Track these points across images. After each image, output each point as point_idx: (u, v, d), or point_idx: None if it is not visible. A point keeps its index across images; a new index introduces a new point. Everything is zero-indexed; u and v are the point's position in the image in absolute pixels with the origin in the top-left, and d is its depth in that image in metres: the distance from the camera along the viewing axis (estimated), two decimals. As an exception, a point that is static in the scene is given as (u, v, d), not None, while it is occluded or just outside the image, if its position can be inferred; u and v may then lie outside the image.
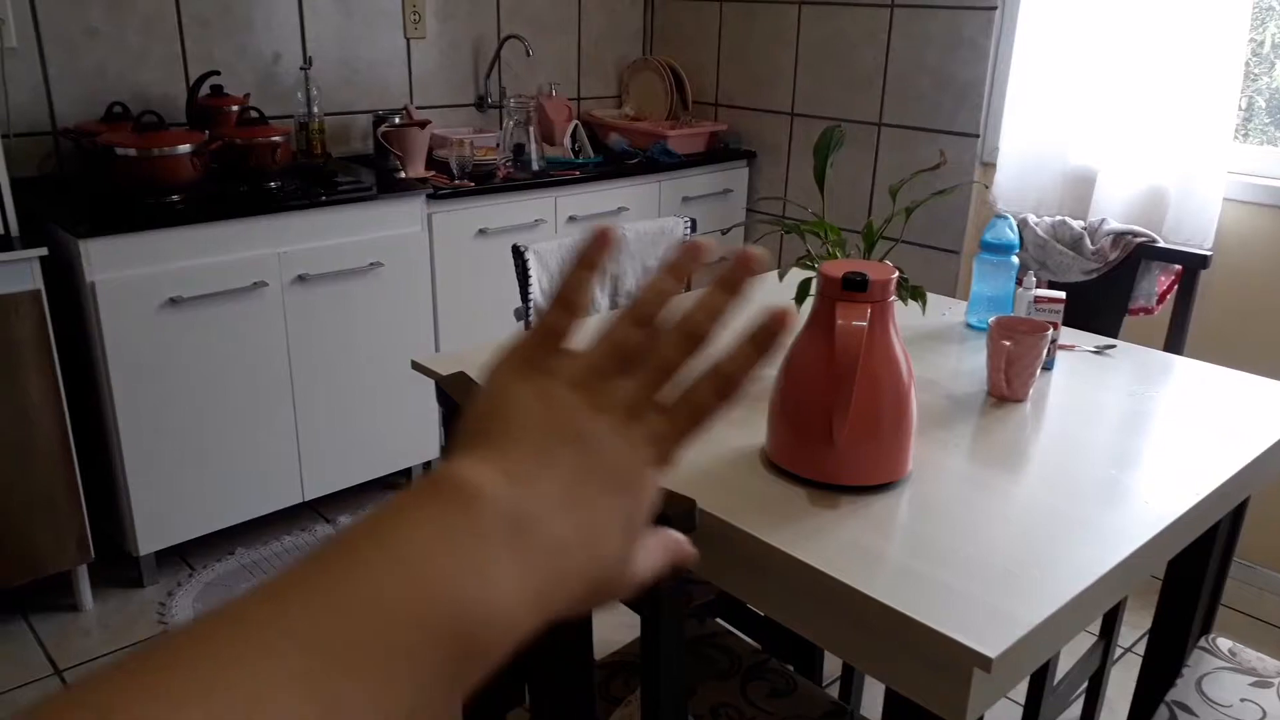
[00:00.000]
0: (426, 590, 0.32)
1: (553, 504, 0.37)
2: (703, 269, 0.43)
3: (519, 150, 3.06)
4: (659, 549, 0.44)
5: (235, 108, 2.65)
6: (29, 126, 2.54)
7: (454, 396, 1.15)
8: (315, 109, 2.84)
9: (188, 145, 2.31)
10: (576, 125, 3.29)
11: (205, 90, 2.69)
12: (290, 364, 2.53)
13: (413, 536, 0.33)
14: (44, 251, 2.08)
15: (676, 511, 0.92)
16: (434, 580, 0.32)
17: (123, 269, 2.21)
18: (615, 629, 2.34)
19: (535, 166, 3.04)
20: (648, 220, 2.23)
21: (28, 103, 2.52)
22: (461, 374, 1.21)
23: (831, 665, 2.24)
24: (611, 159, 3.27)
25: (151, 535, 2.40)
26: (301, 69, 2.89)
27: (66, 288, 2.25)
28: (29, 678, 2.14)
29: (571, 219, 3.05)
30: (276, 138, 2.47)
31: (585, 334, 0.43)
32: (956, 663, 0.96)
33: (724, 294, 0.43)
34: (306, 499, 2.68)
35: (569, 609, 0.38)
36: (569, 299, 0.42)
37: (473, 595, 0.33)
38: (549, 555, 0.36)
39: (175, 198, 2.31)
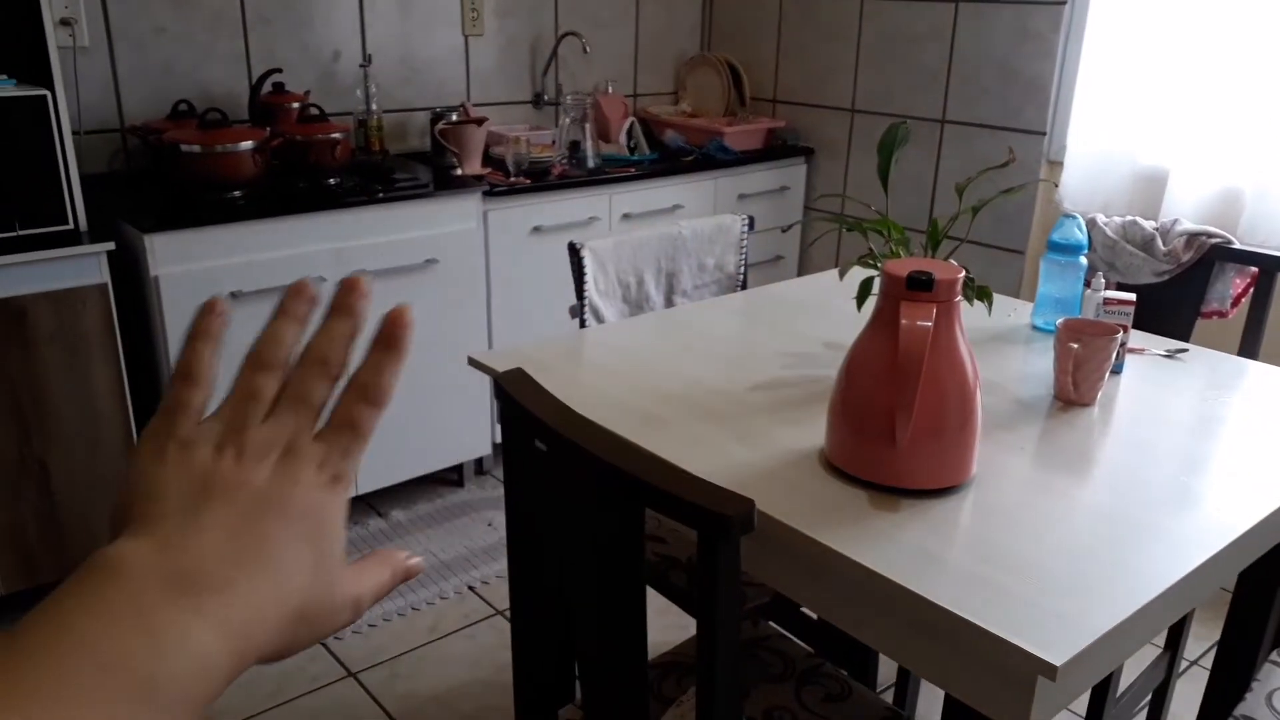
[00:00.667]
0: (100, 663, 0.33)
1: (215, 555, 0.38)
2: (314, 306, 0.45)
3: (574, 147, 3.06)
4: (377, 567, 0.46)
5: (296, 105, 2.68)
6: (99, 124, 2.59)
7: (511, 393, 1.15)
8: (374, 106, 2.87)
9: (250, 142, 2.34)
10: (632, 122, 3.28)
11: (267, 88, 2.73)
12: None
13: (73, 622, 0.34)
14: (111, 246, 2.12)
15: (735, 512, 0.91)
16: (104, 654, 0.33)
17: (186, 263, 2.25)
18: (668, 629, 2.33)
19: (591, 164, 3.04)
20: (704, 218, 2.22)
21: (98, 101, 2.58)
22: (519, 370, 1.20)
23: (886, 670, 2.20)
24: (667, 156, 3.26)
25: (211, 525, 2.44)
26: (361, 66, 2.92)
27: (132, 282, 2.30)
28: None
29: (626, 216, 3.05)
30: (336, 135, 2.50)
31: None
32: (1020, 670, 0.93)
33: (341, 319, 0.45)
34: (360, 493, 2.71)
35: (284, 641, 0.39)
36: (188, 372, 0.44)
37: (144, 658, 0.34)
38: (226, 598, 0.37)
39: (237, 194, 2.35)
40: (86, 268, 2.11)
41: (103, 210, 2.29)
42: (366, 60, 2.96)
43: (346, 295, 0.45)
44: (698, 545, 0.96)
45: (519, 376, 1.19)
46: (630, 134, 3.27)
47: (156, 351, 2.31)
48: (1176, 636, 1.99)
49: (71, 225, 2.11)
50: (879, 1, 3.19)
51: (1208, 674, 1.69)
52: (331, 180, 2.51)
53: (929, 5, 3.05)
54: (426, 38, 3.10)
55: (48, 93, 2.02)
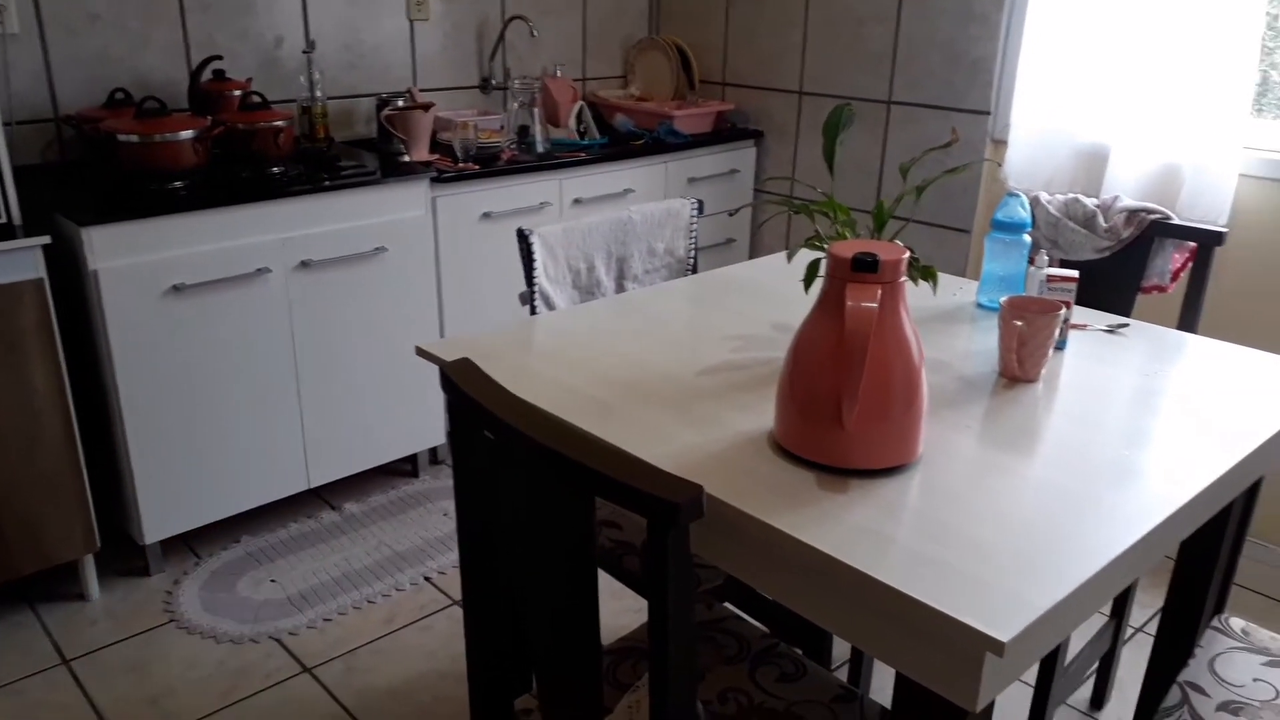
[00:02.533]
0: None
1: None
2: None
3: (523, 132, 3.03)
4: None
5: (237, 92, 2.63)
6: (31, 113, 2.52)
7: (457, 382, 1.13)
8: (318, 93, 2.82)
9: (190, 131, 2.29)
10: (581, 106, 3.26)
11: (207, 75, 2.67)
12: (294, 350, 2.52)
13: None
14: (47, 240, 2.07)
15: (683, 499, 0.91)
16: None
17: (126, 256, 2.20)
18: (622, 614, 2.33)
19: (540, 149, 3.02)
20: (654, 202, 2.21)
21: (30, 89, 2.51)
22: (465, 360, 1.19)
23: (841, 648, 2.23)
24: (617, 140, 3.24)
25: (157, 524, 2.40)
26: (304, 53, 2.86)
27: (70, 276, 2.24)
28: (37, 668, 2.15)
29: (577, 201, 3.03)
30: (279, 122, 2.45)
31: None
32: (968, 647, 0.94)
33: None
34: (312, 486, 2.67)
35: None
36: None
37: None
38: None
39: (178, 184, 2.30)
40: (21, 263, 2.05)
41: (37, 203, 2.23)
42: (310, 46, 2.90)
43: None
44: (647, 532, 0.95)
45: (465, 366, 1.18)
46: (580, 118, 3.25)
47: (98, 347, 2.25)
48: (1121, 605, 2.04)
49: (4, 219, 2.05)
50: (825, -17, 3.19)
51: (1153, 640, 1.73)
52: (276, 169, 2.47)
53: (874, -14, 3.06)
54: (371, 22, 3.05)
55: (-26, 82, 1.96)
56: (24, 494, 2.17)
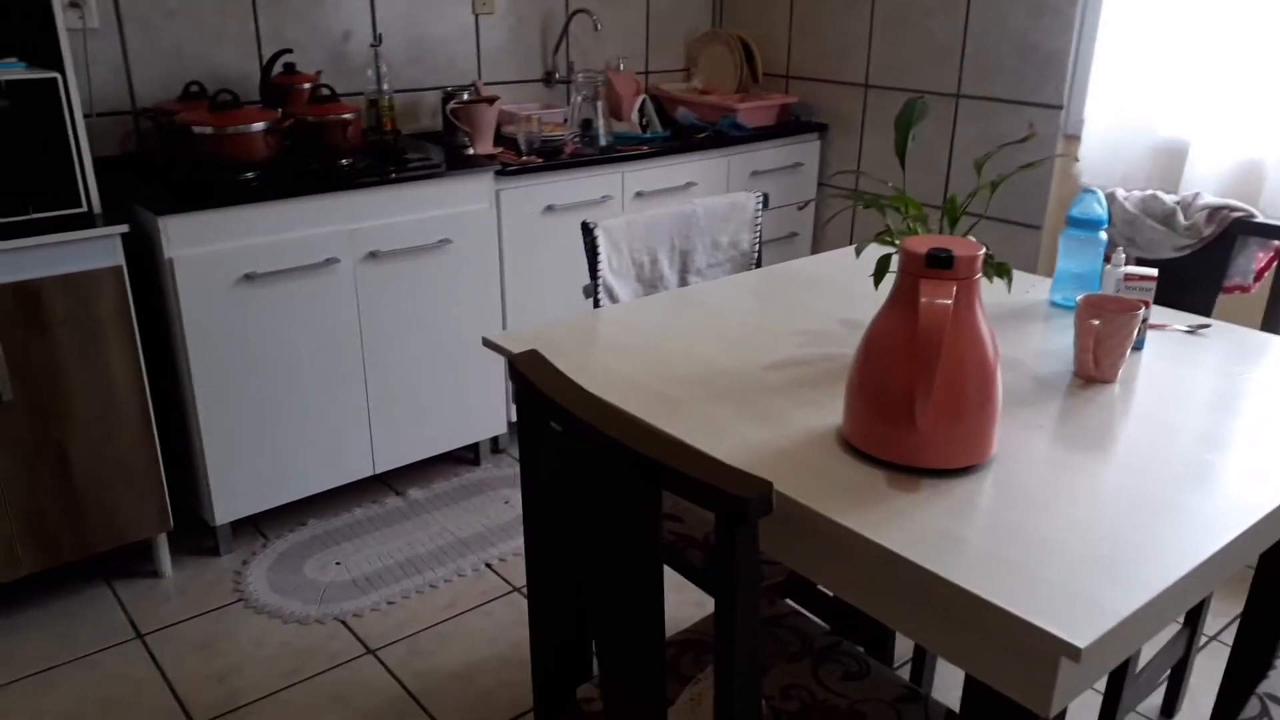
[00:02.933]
0: None
1: None
2: None
3: (586, 125, 3.04)
4: None
5: (307, 85, 2.67)
6: (110, 106, 2.59)
7: (526, 374, 1.14)
8: (385, 86, 2.85)
9: (261, 123, 2.33)
10: (644, 99, 3.26)
11: (278, 68, 2.72)
12: (361, 339, 2.56)
13: None
14: (125, 228, 2.12)
15: (753, 495, 0.90)
16: None
17: (200, 245, 2.25)
18: (685, 606, 2.33)
19: (603, 142, 3.02)
20: (718, 195, 2.20)
21: (109, 83, 2.57)
22: (534, 351, 1.20)
23: (903, 647, 2.20)
24: (679, 133, 3.23)
25: (227, 506, 2.46)
26: (371, 46, 2.90)
27: (146, 264, 2.30)
28: (113, 640, 2.21)
29: (639, 194, 3.03)
30: (347, 115, 2.49)
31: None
32: (1043, 652, 0.92)
33: None
34: (377, 471, 2.71)
35: None
36: None
37: None
38: None
39: (250, 175, 2.34)
40: (100, 251, 2.11)
41: (116, 193, 2.29)
42: (377, 40, 2.94)
43: None
44: (715, 528, 0.95)
45: (533, 358, 1.18)
46: (642, 111, 3.25)
47: (173, 333, 2.31)
48: (1196, 613, 1.99)
49: (85, 208, 2.11)
50: (894, -26, 3.15)
51: (1227, 650, 1.68)
52: (344, 161, 2.50)
53: (945, -23, 3.01)
54: (436, 16, 3.08)
55: (58, 75, 2.01)
56: (102, 475, 2.24)
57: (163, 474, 2.33)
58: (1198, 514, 1.10)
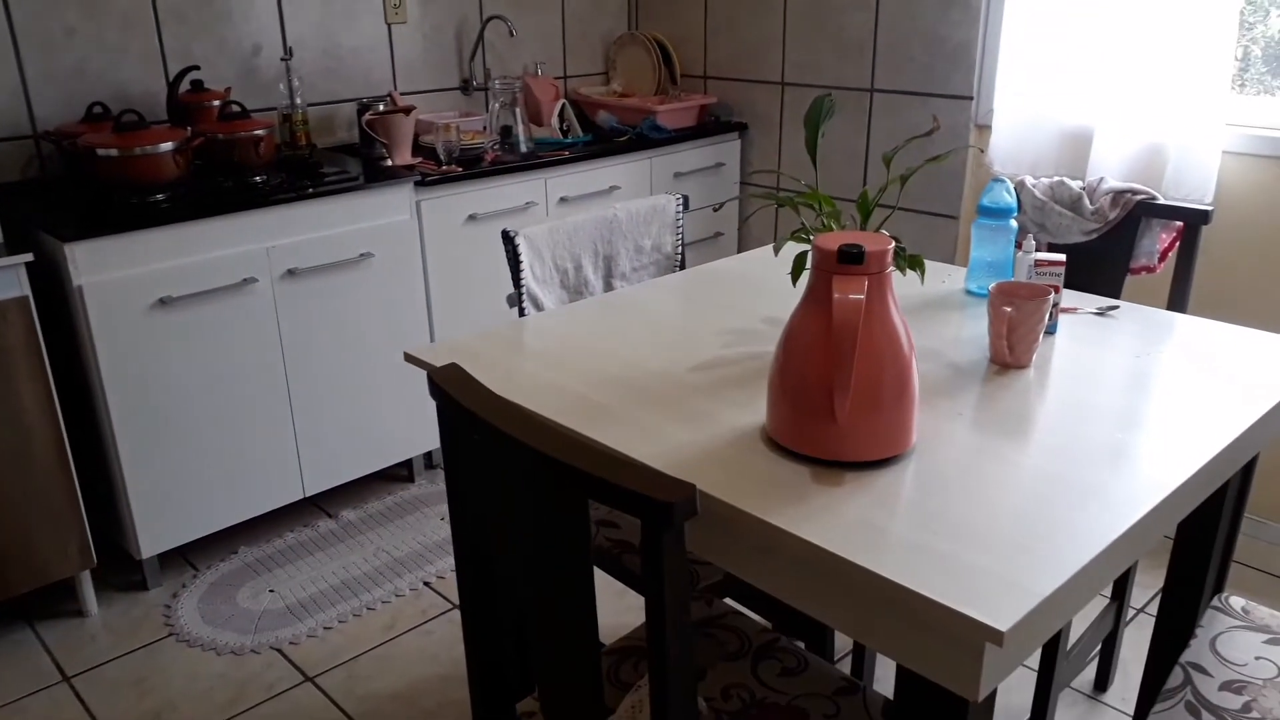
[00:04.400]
0: None
1: None
2: None
3: (506, 132, 3.02)
4: None
5: (217, 102, 2.61)
6: (9, 130, 2.50)
7: (446, 389, 1.13)
8: (298, 100, 2.81)
9: (170, 143, 2.27)
10: (564, 104, 3.25)
11: (185, 86, 2.65)
12: (284, 359, 2.51)
13: None
14: (29, 257, 2.05)
15: (676, 499, 0.90)
16: None
17: (110, 271, 2.19)
18: (624, 612, 2.33)
19: (523, 148, 3.01)
20: (640, 198, 2.20)
21: (6, 106, 2.49)
22: (453, 365, 1.18)
23: (843, 640, 2.23)
24: (601, 137, 3.23)
25: (153, 538, 2.39)
26: (282, 60, 2.84)
27: (54, 292, 2.23)
28: (38, 685, 2.13)
29: (563, 200, 3.02)
30: (259, 131, 2.44)
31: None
32: (968, 637, 0.94)
33: None
34: (308, 494, 2.66)
35: None
36: None
37: None
38: None
39: (160, 197, 2.28)
40: (4, 281, 2.04)
41: (18, 220, 2.21)
42: (288, 53, 2.89)
43: None
44: (641, 533, 0.95)
45: (453, 371, 1.17)
46: (562, 116, 3.24)
47: (86, 363, 2.24)
48: (1122, 587, 2.04)
49: (-15, 238, 2.04)
50: (804, -28, 3.18)
51: (1154, 621, 1.73)
52: (258, 178, 2.45)
53: (853, -26, 3.05)
54: (349, 28, 3.04)
55: (-50, 101, 1.94)
56: (17, 512, 2.16)
57: (83, 509, 2.26)
58: (1112, 492, 1.13)
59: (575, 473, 0.96)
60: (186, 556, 2.59)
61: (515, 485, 1.08)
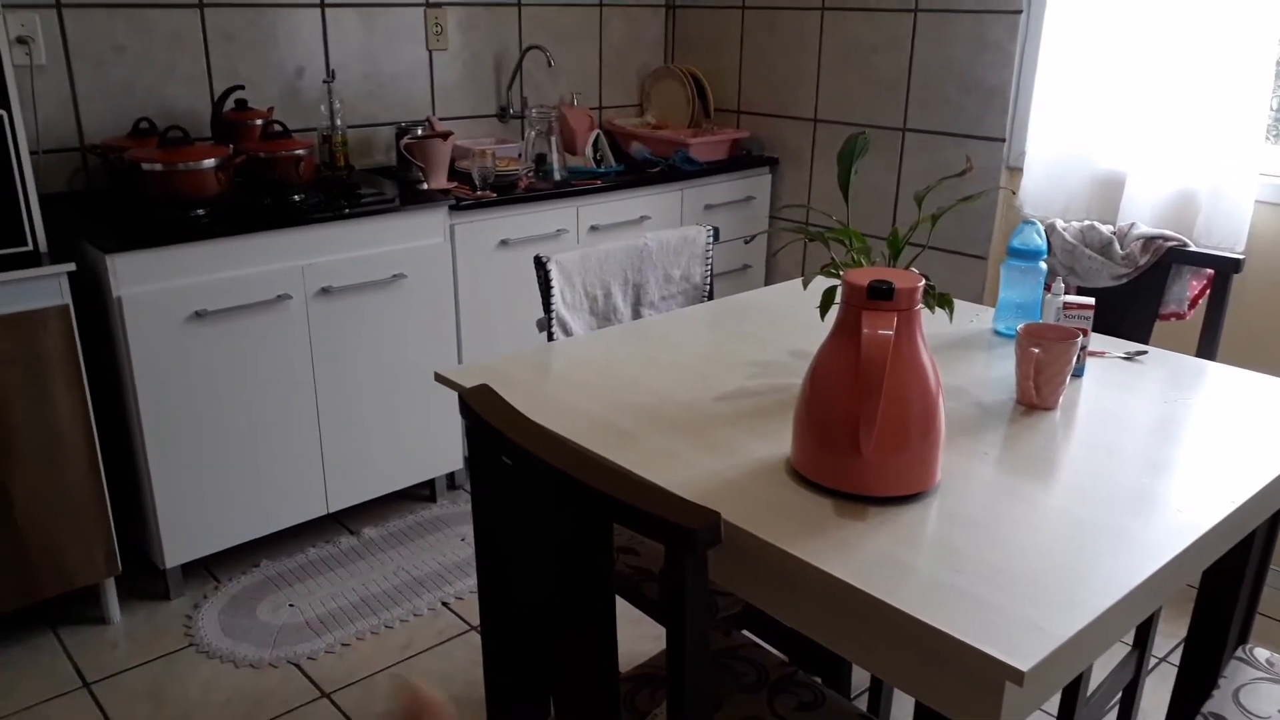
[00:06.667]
0: None
1: None
2: None
3: (541, 160, 3.06)
4: None
5: (259, 121, 2.67)
6: (57, 143, 2.57)
7: (476, 409, 1.14)
8: (338, 122, 2.86)
9: (212, 160, 2.32)
10: (598, 134, 3.29)
11: (230, 104, 2.71)
12: (314, 376, 2.54)
13: None
14: (72, 267, 2.10)
15: (700, 525, 0.91)
16: None
17: (149, 283, 2.23)
18: (641, 640, 2.33)
19: (557, 176, 3.04)
20: (670, 229, 2.22)
21: (56, 119, 2.55)
22: (484, 386, 1.20)
23: (860, 676, 2.21)
24: (633, 168, 3.27)
25: (178, 548, 2.42)
26: (325, 82, 2.90)
27: (94, 302, 2.27)
28: (58, 690, 2.16)
29: (594, 228, 3.05)
30: (300, 151, 2.49)
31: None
32: (988, 676, 0.94)
33: None
34: (331, 511, 2.68)
35: None
36: None
37: None
38: None
39: (200, 212, 2.33)
40: (47, 289, 2.08)
41: (63, 230, 2.26)
42: (330, 76, 2.95)
43: None
44: (665, 559, 0.96)
45: (484, 392, 1.19)
46: (596, 146, 3.28)
47: (121, 373, 2.28)
48: (1144, 634, 2.02)
49: (30, 246, 2.08)
50: (839, 12, 3.22)
51: (1176, 670, 1.71)
52: (296, 197, 2.50)
53: (888, 15, 3.08)
54: (390, 53, 3.09)
55: (4, 112, 1.99)
56: (47, 518, 2.19)
57: (110, 517, 2.29)
58: (1137, 537, 1.13)
59: (601, 496, 0.97)
60: (209, 568, 2.61)
61: (540, 507, 1.10)
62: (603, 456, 1.30)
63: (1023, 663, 0.91)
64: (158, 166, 2.28)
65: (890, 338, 1.09)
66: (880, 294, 1.10)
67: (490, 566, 1.28)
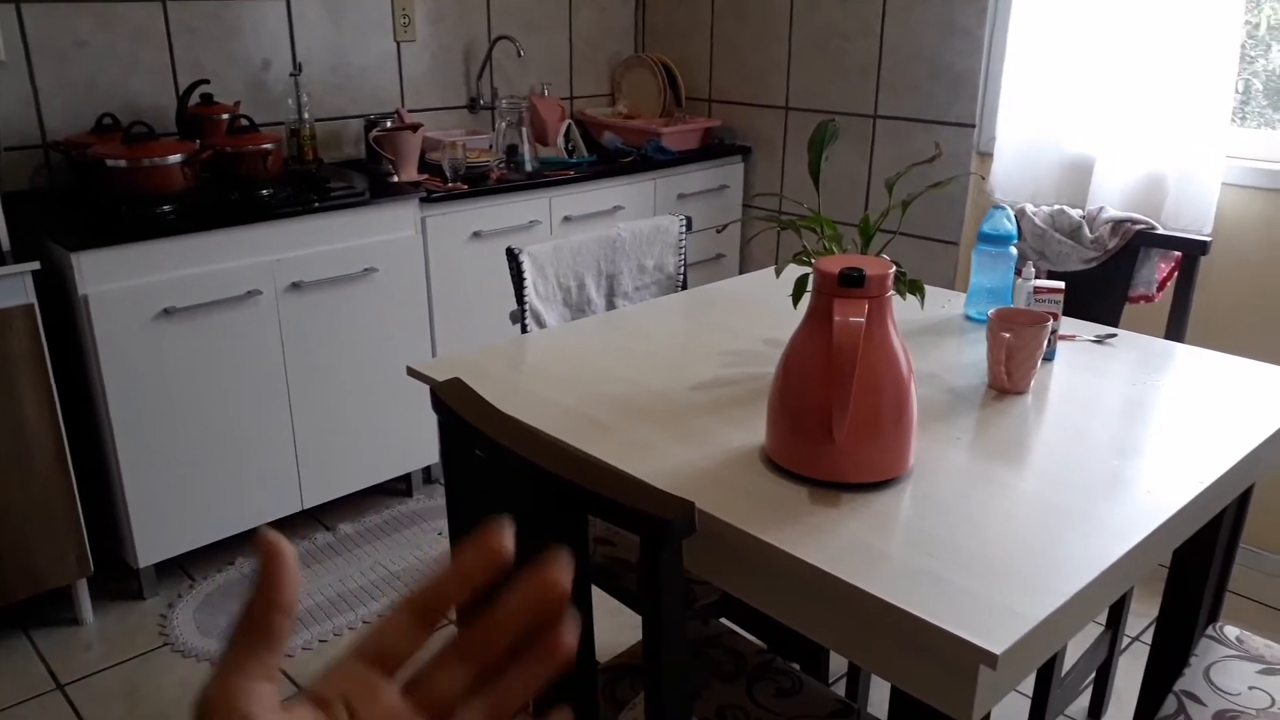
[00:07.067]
0: None
1: None
2: (497, 573, 0.40)
3: (512, 151, 3.04)
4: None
5: (225, 116, 2.63)
6: (19, 140, 2.52)
7: (448, 403, 1.14)
8: (306, 115, 2.83)
9: (178, 155, 2.29)
10: (569, 125, 3.27)
11: (195, 99, 2.68)
12: (286, 372, 2.52)
13: None
14: (36, 265, 2.07)
15: (675, 515, 0.91)
16: None
17: (115, 281, 2.20)
18: (620, 631, 2.32)
19: (529, 167, 3.03)
20: (643, 219, 2.22)
21: (17, 116, 2.51)
22: (456, 380, 1.19)
23: (838, 662, 2.22)
24: (605, 158, 3.26)
25: (151, 547, 2.39)
26: (291, 75, 2.87)
27: (60, 301, 2.24)
28: (32, 693, 2.13)
29: (566, 219, 3.04)
30: (267, 145, 2.46)
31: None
32: (962, 660, 0.94)
33: (542, 664, 0.41)
34: (306, 507, 2.67)
35: None
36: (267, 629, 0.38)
37: None
38: None
39: (167, 208, 2.30)
40: (11, 289, 2.05)
41: (26, 229, 2.23)
42: (297, 69, 2.92)
43: (556, 641, 0.40)
44: (640, 549, 0.96)
45: (456, 386, 1.18)
46: (568, 136, 3.26)
47: (89, 371, 2.25)
48: (1117, 614, 2.04)
49: (-7, 246, 2.05)
50: (810, -1, 3.22)
51: (1149, 650, 1.73)
52: (265, 191, 2.47)
53: (858, 2, 3.08)
54: (358, 45, 3.06)
55: (-37, 110, 1.96)
56: (16, 519, 2.16)
57: (81, 517, 2.26)
58: (1108, 519, 1.14)
59: (575, 488, 0.97)
60: (184, 566, 2.59)
61: (515, 500, 1.09)
62: (577, 448, 1.30)
63: (996, 646, 0.91)
64: (122, 163, 2.24)
65: (862, 325, 1.09)
66: (851, 281, 1.11)
67: (465, 560, 1.27)
